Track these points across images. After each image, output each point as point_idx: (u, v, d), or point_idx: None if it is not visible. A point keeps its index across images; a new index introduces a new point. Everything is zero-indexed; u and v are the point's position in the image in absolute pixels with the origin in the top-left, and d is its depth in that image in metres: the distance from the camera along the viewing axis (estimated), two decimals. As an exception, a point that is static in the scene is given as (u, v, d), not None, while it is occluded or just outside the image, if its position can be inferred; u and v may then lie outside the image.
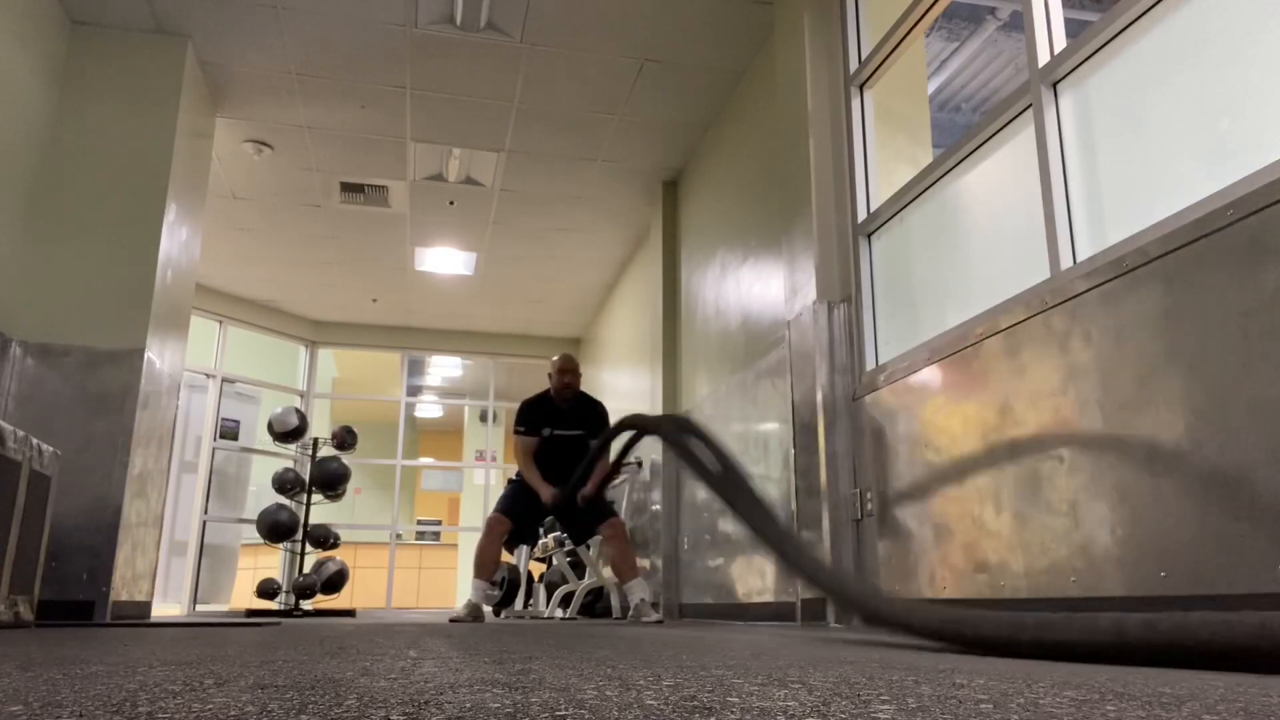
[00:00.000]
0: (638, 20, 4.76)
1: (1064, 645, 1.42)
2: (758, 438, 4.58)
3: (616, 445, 4.52)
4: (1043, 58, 2.72)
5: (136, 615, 4.51)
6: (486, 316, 9.66)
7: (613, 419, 4.98)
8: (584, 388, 5.03)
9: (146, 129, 4.70)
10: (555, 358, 4.94)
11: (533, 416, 4.83)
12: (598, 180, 6.52)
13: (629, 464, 6.72)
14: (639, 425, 4.05)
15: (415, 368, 11.68)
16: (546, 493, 4.63)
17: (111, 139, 4.63)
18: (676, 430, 3.44)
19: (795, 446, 3.79)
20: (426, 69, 5.17)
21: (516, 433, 4.85)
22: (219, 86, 5.33)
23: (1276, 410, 1.78)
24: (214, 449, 8.53)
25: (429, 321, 9.85)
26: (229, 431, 8.76)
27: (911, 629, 1.88)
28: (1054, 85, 2.68)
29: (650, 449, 6.24)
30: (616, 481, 6.63)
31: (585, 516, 4.78)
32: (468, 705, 0.83)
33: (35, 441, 3.32)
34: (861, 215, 3.74)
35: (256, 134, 5.88)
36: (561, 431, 4.79)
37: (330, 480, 7.32)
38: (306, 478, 7.33)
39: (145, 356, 4.39)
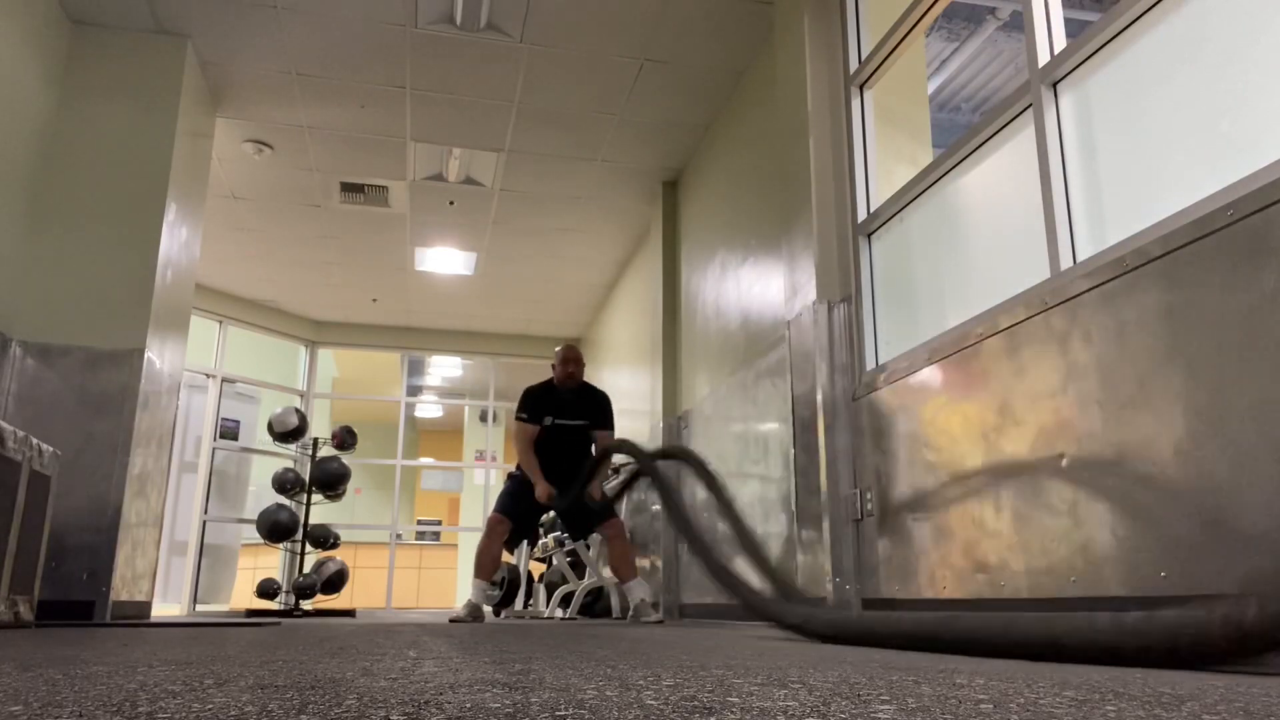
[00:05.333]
0: (638, 20, 4.76)
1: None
2: (758, 438, 4.58)
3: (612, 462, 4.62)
4: (1043, 58, 2.72)
5: (136, 615, 4.51)
6: (486, 316, 9.66)
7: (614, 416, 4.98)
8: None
9: (146, 129, 4.70)
10: (558, 348, 4.94)
11: (535, 405, 4.79)
12: (598, 180, 6.52)
13: (629, 464, 6.72)
14: (635, 456, 4.31)
15: (415, 368, 11.68)
16: (541, 489, 4.57)
17: (111, 139, 4.63)
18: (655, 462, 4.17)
19: (795, 446, 3.79)
20: (426, 69, 5.17)
21: (518, 419, 4.81)
22: (219, 86, 5.33)
23: (1276, 410, 1.78)
24: (214, 449, 8.52)
25: (429, 321, 9.85)
26: (229, 431, 8.76)
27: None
28: (1054, 85, 2.68)
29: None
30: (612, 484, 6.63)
31: (585, 514, 4.78)
32: (468, 705, 0.83)
33: (35, 441, 3.32)
34: (861, 215, 3.73)
35: (256, 134, 5.88)
36: (564, 421, 4.77)
37: (330, 480, 7.32)
38: (306, 478, 7.33)
39: (145, 356, 4.39)
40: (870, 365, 3.57)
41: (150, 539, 4.74)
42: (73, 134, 4.58)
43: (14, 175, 4.24)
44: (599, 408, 4.87)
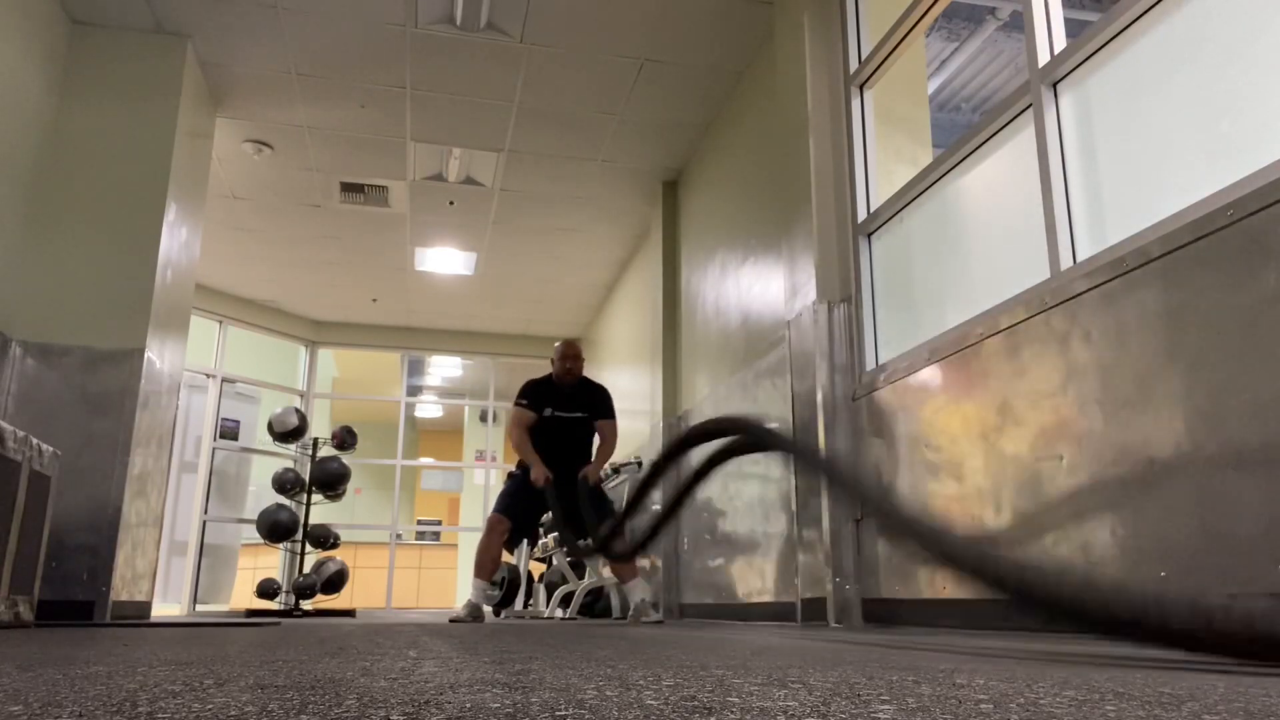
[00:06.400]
0: (638, 20, 4.76)
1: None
2: (758, 438, 4.57)
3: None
4: (1043, 58, 2.72)
5: (136, 615, 4.51)
6: (486, 316, 9.66)
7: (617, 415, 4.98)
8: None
9: (146, 129, 4.70)
10: (558, 343, 4.94)
11: (535, 395, 4.81)
12: (598, 180, 6.52)
13: (629, 464, 6.72)
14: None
15: (415, 368, 11.68)
16: (538, 472, 4.59)
17: (111, 139, 4.63)
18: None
19: (795, 446, 3.79)
20: (426, 69, 5.17)
21: (516, 405, 4.82)
22: (219, 86, 5.33)
23: (1276, 410, 1.78)
24: (214, 449, 8.53)
25: (429, 321, 9.85)
26: (229, 431, 8.76)
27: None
28: (1054, 85, 2.68)
29: (647, 450, 6.24)
30: (613, 484, 6.63)
31: (586, 514, 4.77)
32: (468, 705, 0.83)
33: (35, 441, 3.32)
34: (861, 215, 3.74)
35: (256, 134, 5.88)
36: (563, 413, 4.77)
37: (330, 480, 7.31)
38: (306, 478, 7.33)
39: (145, 356, 4.39)
40: (870, 365, 3.57)
41: (150, 539, 4.74)
42: (73, 134, 4.58)
43: (14, 175, 4.24)
44: (599, 399, 4.89)
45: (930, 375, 3.08)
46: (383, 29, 4.82)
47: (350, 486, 7.63)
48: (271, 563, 9.01)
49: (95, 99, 4.66)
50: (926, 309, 3.35)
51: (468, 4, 4.60)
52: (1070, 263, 2.51)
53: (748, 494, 4.67)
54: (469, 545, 10.31)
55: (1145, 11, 2.34)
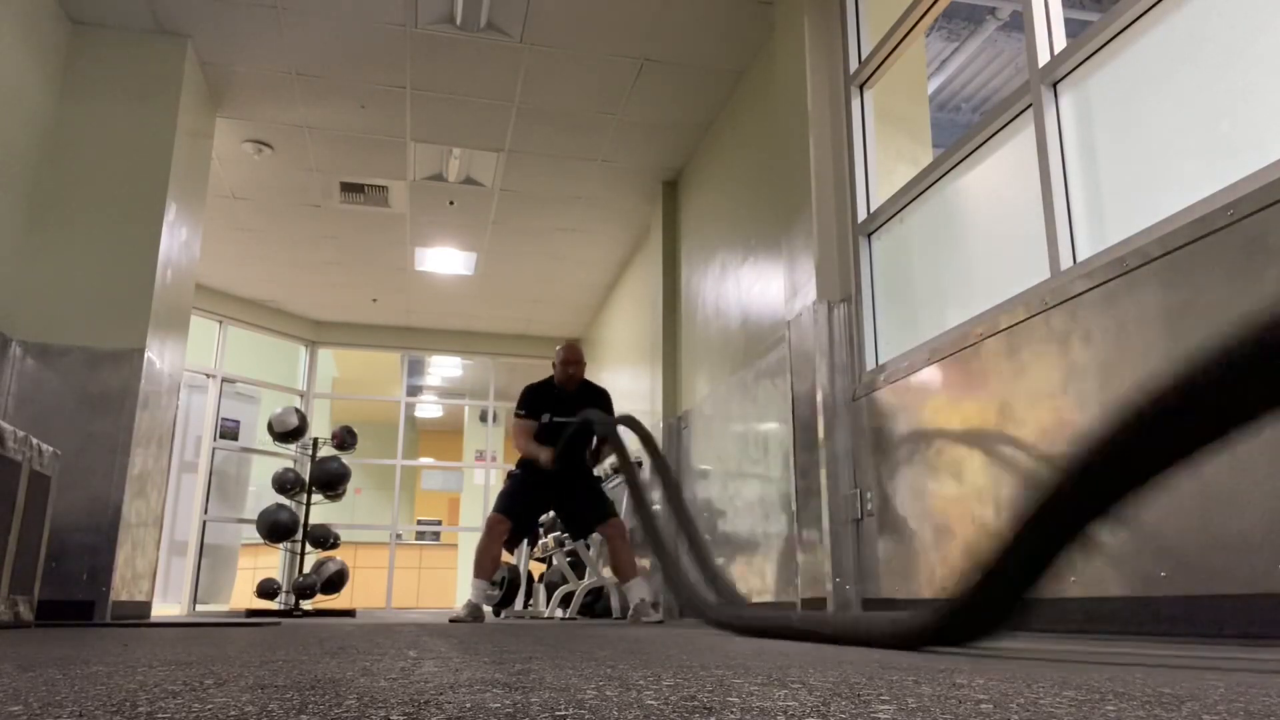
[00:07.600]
0: (638, 20, 4.76)
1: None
2: (758, 437, 4.58)
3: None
4: (1043, 58, 2.72)
5: (136, 615, 4.51)
6: (486, 316, 9.66)
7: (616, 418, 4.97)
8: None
9: (146, 129, 4.70)
10: (559, 347, 4.93)
11: (534, 402, 4.80)
12: (598, 180, 6.52)
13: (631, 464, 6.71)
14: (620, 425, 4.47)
15: (415, 368, 11.68)
16: (546, 455, 4.60)
17: (111, 139, 4.62)
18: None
19: (795, 446, 3.79)
20: (426, 69, 5.17)
21: (516, 416, 4.82)
22: (219, 86, 5.33)
23: (1276, 410, 1.78)
24: (214, 449, 8.52)
25: (429, 321, 9.85)
26: (229, 431, 8.76)
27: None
28: (1054, 85, 2.68)
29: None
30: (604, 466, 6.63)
31: (585, 513, 4.77)
32: (468, 705, 0.83)
33: (35, 441, 3.32)
34: (861, 215, 3.74)
35: (256, 134, 5.88)
36: (562, 418, 4.77)
37: (330, 480, 7.31)
38: (306, 478, 7.33)
39: (145, 356, 4.39)
40: (870, 365, 3.57)
41: (150, 539, 4.74)
42: (73, 134, 4.58)
43: (14, 175, 4.24)
44: (599, 403, 4.87)
45: (930, 375, 3.08)
46: (383, 29, 4.82)
47: (350, 486, 7.63)
48: (271, 563, 9.01)
49: (95, 99, 4.66)
50: (926, 309, 3.35)
51: (468, 4, 4.60)
52: (1070, 262, 2.51)
53: (748, 494, 4.68)
54: (469, 545, 10.30)
55: (1145, 11, 2.34)
